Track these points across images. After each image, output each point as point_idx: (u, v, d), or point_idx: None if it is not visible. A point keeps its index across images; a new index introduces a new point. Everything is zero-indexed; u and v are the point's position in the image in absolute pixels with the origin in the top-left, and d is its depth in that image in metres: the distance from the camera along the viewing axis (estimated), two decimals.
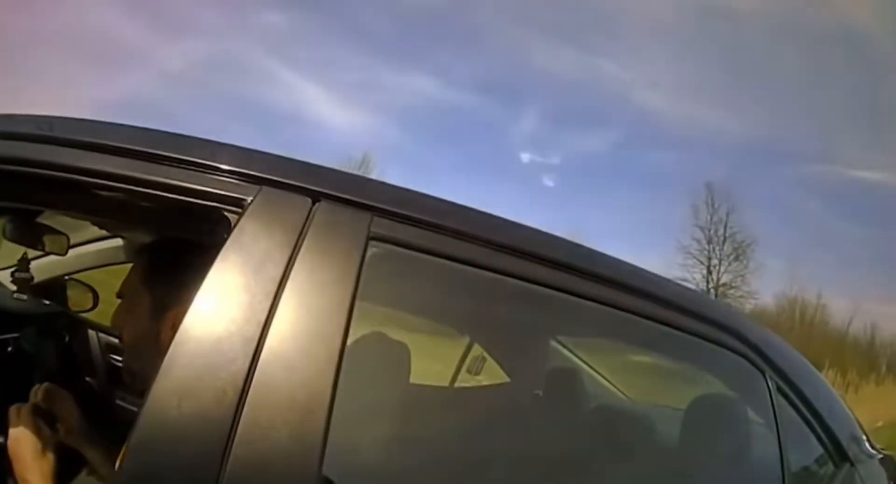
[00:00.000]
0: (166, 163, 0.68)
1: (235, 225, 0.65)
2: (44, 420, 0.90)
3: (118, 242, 1.44)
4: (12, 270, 1.43)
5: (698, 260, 19.46)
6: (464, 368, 1.16)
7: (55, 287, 1.55)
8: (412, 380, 0.93)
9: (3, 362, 1.27)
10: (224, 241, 0.65)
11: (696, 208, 19.78)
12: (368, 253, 0.68)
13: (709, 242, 19.41)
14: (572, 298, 0.83)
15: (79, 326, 1.63)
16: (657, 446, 1.16)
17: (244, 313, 0.61)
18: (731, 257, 19.38)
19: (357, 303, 0.65)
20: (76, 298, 1.58)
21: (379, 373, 0.85)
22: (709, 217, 19.68)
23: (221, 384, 0.58)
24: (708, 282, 18.66)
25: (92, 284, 1.63)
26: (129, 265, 1.56)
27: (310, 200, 0.69)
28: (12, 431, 0.87)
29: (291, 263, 0.64)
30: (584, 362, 1.36)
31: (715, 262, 19.36)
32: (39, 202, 0.89)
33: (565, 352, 1.31)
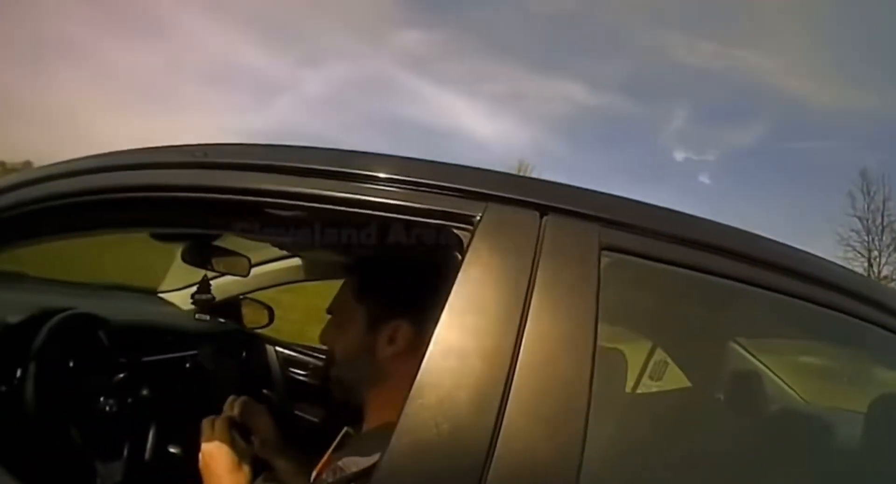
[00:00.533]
0: (391, 184, 0.69)
1: (470, 242, 0.65)
2: (238, 433, 0.92)
3: (294, 261, 1.50)
4: (193, 292, 1.53)
5: (858, 252, 18.17)
6: (646, 374, 1.11)
7: (231, 306, 1.65)
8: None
9: (182, 379, 1.37)
10: (457, 257, 0.65)
11: (852, 197, 18.45)
12: (602, 263, 0.66)
13: (867, 233, 18.11)
14: (760, 293, 0.77)
15: (255, 342, 1.72)
16: (840, 450, 1.09)
17: (496, 328, 0.61)
18: (891, 248, 18.07)
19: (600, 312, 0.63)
20: (251, 316, 1.67)
21: (612, 381, 0.83)
22: (865, 206, 18.36)
23: (479, 400, 0.58)
24: (869, 274, 17.10)
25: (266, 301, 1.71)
26: (303, 283, 1.67)
27: (537, 214, 0.67)
28: (206, 445, 0.89)
29: (533, 275, 0.63)
30: (762, 363, 1.27)
31: (875, 253, 18.11)
32: (221, 227, 0.93)
33: (745, 353, 1.22)
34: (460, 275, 0.63)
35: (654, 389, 1.16)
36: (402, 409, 0.58)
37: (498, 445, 0.56)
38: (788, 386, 1.37)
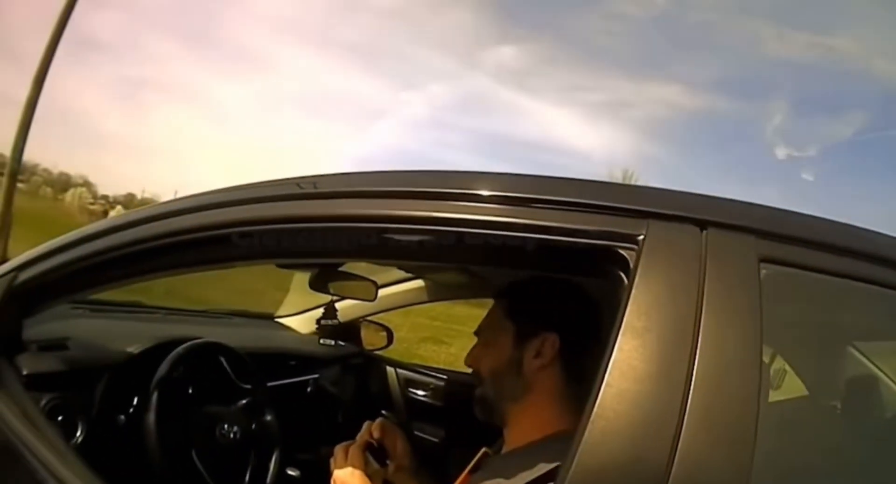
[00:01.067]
0: (550, 206, 0.70)
1: (637, 261, 0.65)
2: (374, 456, 0.93)
3: (415, 283, 1.53)
4: (317, 317, 1.57)
5: None
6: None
7: (350, 329, 1.69)
8: None
9: (305, 403, 1.39)
10: (622, 277, 0.66)
11: None
12: (762, 275, 0.67)
13: None
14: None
15: (375, 363, 1.76)
16: None
17: (670, 348, 0.62)
18: None
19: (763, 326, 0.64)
20: (370, 338, 1.71)
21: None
22: None
23: (656, 421, 0.59)
24: None
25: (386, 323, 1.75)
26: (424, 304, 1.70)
27: (698, 229, 0.68)
28: (339, 472, 0.90)
29: (701, 292, 0.64)
30: (878, 367, 1.24)
31: None
32: (345, 255, 0.96)
33: (861, 358, 1.19)
34: (633, 295, 0.64)
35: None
36: (579, 430, 0.60)
37: (676, 463, 0.57)
38: None
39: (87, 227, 0.99)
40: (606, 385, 0.60)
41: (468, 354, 0.92)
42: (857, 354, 1.19)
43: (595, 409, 0.60)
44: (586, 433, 0.59)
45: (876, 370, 1.23)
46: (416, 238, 0.77)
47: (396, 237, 0.79)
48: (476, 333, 0.93)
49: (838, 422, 1.08)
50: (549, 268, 0.71)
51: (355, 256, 0.94)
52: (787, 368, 1.11)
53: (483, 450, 0.89)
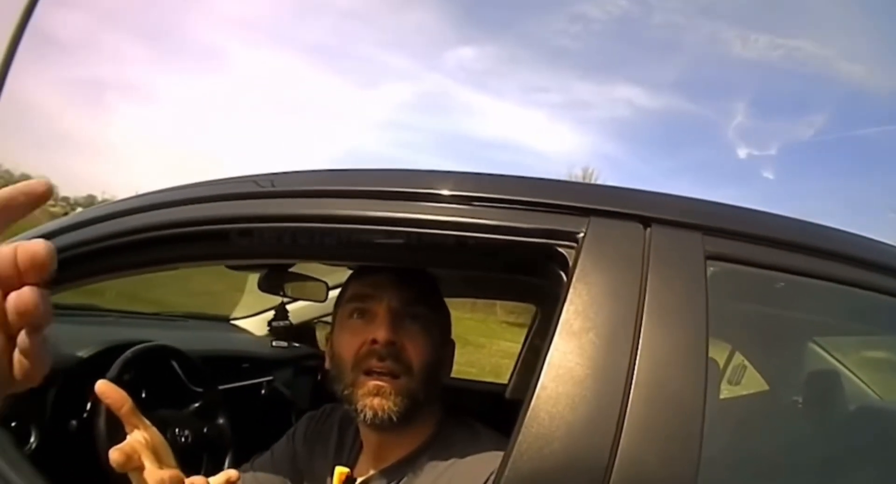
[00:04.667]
0: (489, 204, 0.68)
1: (577, 259, 0.63)
2: None
3: None
4: (269, 319, 1.54)
5: None
6: (724, 378, 1.09)
7: (306, 330, 1.65)
8: None
9: (258, 405, 1.37)
10: (561, 276, 0.64)
11: None
12: (709, 272, 0.65)
13: None
14: (842, 289, 0.75)
15: None
16: None
17: (610, 347, 0.60)
18: None
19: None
20: (326, 339, 1.68)
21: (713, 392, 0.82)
22: None
23: (595, 422, 0.57)
24: None
25: None
26: None
27: (641, 226, 0.66)
28: None
29: (643, 290, 0.62)
30: (838, 361, 1.24)
31: None
32: (295, 255, 0.93)
33: (822, 352, 1.19)
34: (570, 294, 0.62)
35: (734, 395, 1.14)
36: (514, 434, 0.58)
37: (616, 466, 0.55)
38: (863, 382, 1.33)
39: (31, 230, 0.95)
40: (541, 387, 0.58)
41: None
42: (818, 349, 1.19)
43: (529, 412, 0.57)
44: (520, 438, 0.57)
45: (837, 365, 1.23)
46: (359, 238, 0.75)
47: (340, 237, 0.76)
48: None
49: (799, 416, 1.08)
50: (491, 267, 0.69)
51: (310, 257, 0.91)
52: (747, 363, 1.11)
53: (344, 471, 0.79)
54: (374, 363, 0.75)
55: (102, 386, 0.66)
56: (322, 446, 0.89)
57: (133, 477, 0.63)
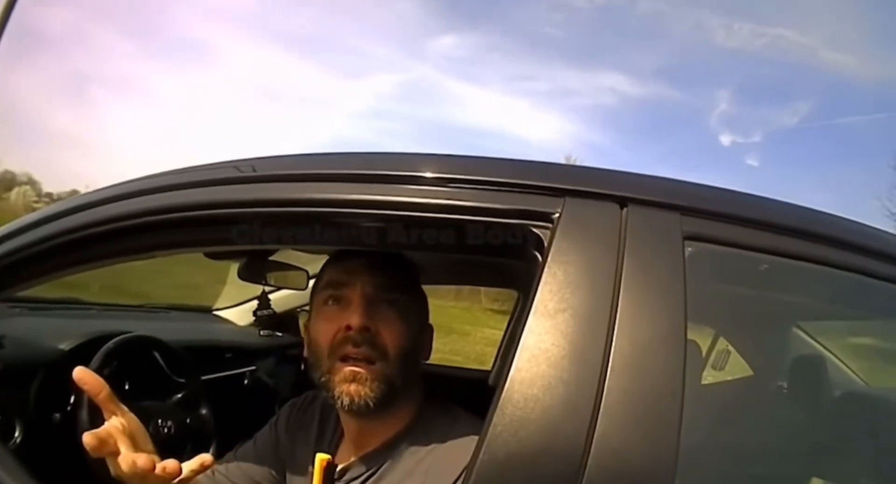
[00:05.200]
0: (463, 185, 0.67)
1: (551, 240, 0.62)
2: None
3: None
4: (253, 308, 1.53)
5: None
6: (708, 364, 1.09)
7: (290, 319, 1.64)
8: None
9: (241, 395, 1.36)
10: (537, 256, 0.63)
11: None
12: (687, 253, 0.64)
13: None
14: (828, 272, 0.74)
15: None
16: None
17: (586, 328, 0.59)
18: None
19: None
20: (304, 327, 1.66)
21: (695, 375, 0.81)
22: None
23: (571, 404, 0.56)
24: None
25: None
26: None
27: (617, 206, 0.65)
28: None
29: (619, 271, 0.61)
30: (824, 347, 1.24)
31: None
32: (277, 241, 0.92)
33: (806, 338, 1.19)
34: (544, 275, 0.61)
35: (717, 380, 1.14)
36: (488, 418, 0.57)
37: (592, 449, 0.55)
38: (849, 368, 1.34)
39: (14, 221, 0.94)
40: (516, 369, 0.57)
41: None
42: (803, 335, 1.19)
43: (504, 393, 0.56)
44: (494, 420, 0.56)
45: (823, 351, 1.24)
46: (337, 221, 0.74)
47: (319, 221, 0.75)
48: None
49: (783, 402, 1.08)
50: (466, 249, 0.68)
51: (288, 241, 0.90)
52: (731, 349, 1.11)
53: (325, 458, 0.75)
54: (349, 350, 0.75)
55: (80, 372, 0.66)
56: (304, 434, 0.89)
57: (109, 462, 0.64)
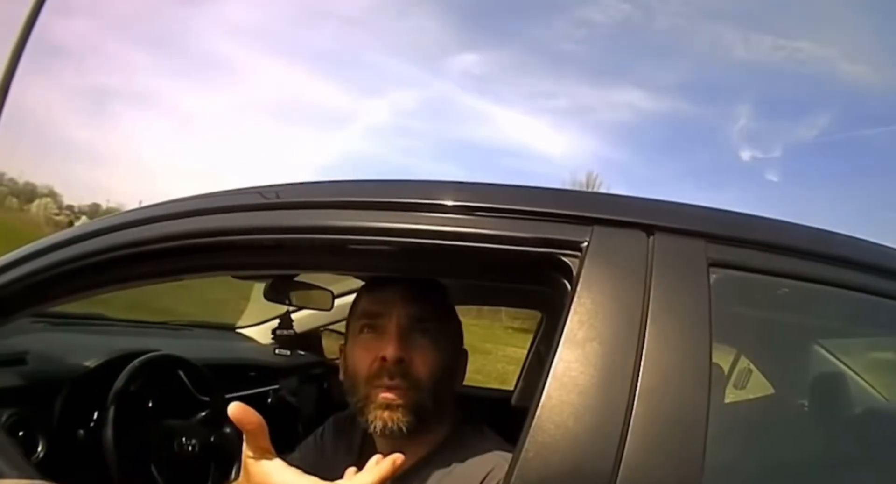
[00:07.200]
0: (493, 214, 0.68)
1: (580, 268, 0.64)
2: None
3: None
4: (274, 327, 1.54)
5: None
6: (730, 383, 1.09)
7: (311, 338, 1.66)
8: None
9: (264, 413, 1.37)
10: (565, 285, 0.64)
11: None
12: (712, 279, 0.65)
13: None
14: (847, 294, 0.75)
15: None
16: None
17: (615, 357, 0.60)
18: None
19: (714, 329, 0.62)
20: (331, 347, 1.68)
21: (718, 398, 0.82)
22: None
23: (600, 431, 0.57)
24: None
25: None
26: None
27: (644, 234, 0.66)
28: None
29: (647, 299, 0.62)
30: (845, 364, 1.24)
31: None
32: (302, 266, 0.93)
33: (827, 355, 1.19)
34: (574, 304, 0.62)
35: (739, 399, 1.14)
36: (519, 444, 0.58)
37: (620, 474, 0.56)
38: (870, 385, 1.33)
39: (42, 239, 0.96)
40: (546, 396, 0.58)
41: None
42: (823, 352, 1.19)
43: (535, 421, 0.58)
44: (525, 446, 0.57)
45: (843, 367, 1.23)
46: (363, 249, 0.75)
47: (344, 248, 0.76)
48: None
49: (805, 419, 1.08)
50: (495, 277, 0.70)
51: (314, 267, 0.91)
52: (753, 367, 1.11)
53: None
54: (384, 380, 0.77)
55: (239, 411, 0.61)
56: (346, 444, 0.91)
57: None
